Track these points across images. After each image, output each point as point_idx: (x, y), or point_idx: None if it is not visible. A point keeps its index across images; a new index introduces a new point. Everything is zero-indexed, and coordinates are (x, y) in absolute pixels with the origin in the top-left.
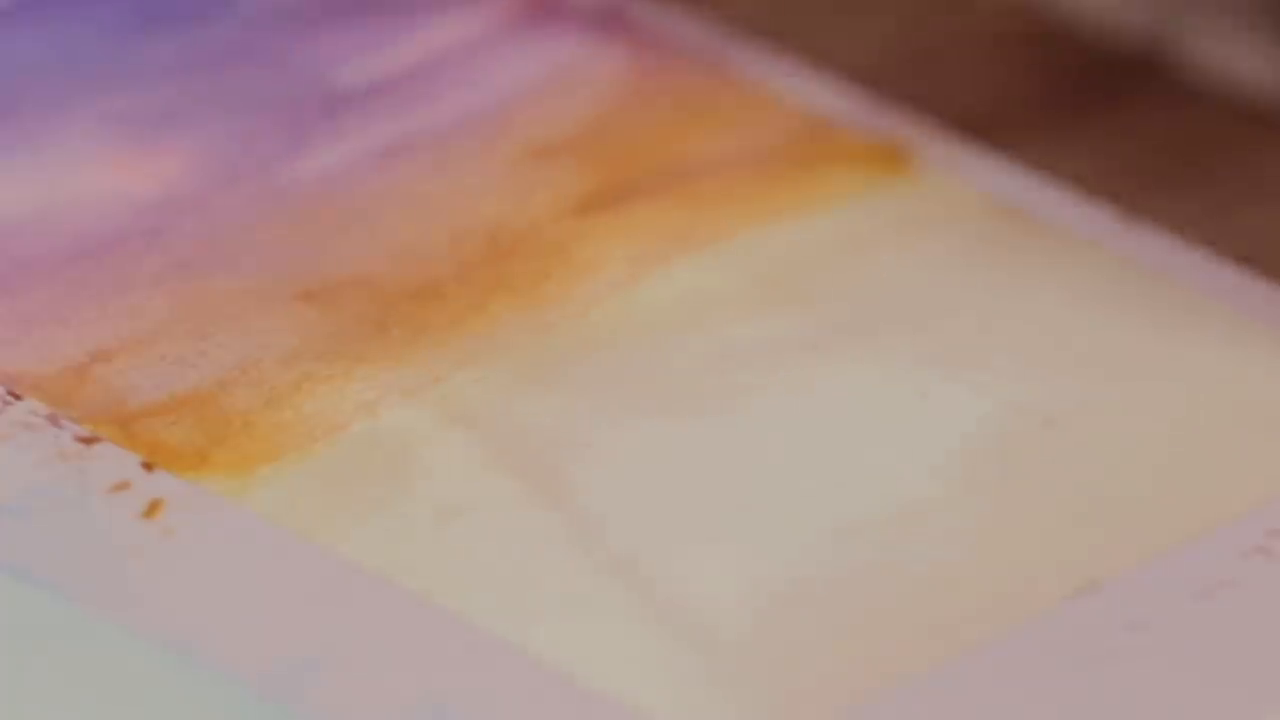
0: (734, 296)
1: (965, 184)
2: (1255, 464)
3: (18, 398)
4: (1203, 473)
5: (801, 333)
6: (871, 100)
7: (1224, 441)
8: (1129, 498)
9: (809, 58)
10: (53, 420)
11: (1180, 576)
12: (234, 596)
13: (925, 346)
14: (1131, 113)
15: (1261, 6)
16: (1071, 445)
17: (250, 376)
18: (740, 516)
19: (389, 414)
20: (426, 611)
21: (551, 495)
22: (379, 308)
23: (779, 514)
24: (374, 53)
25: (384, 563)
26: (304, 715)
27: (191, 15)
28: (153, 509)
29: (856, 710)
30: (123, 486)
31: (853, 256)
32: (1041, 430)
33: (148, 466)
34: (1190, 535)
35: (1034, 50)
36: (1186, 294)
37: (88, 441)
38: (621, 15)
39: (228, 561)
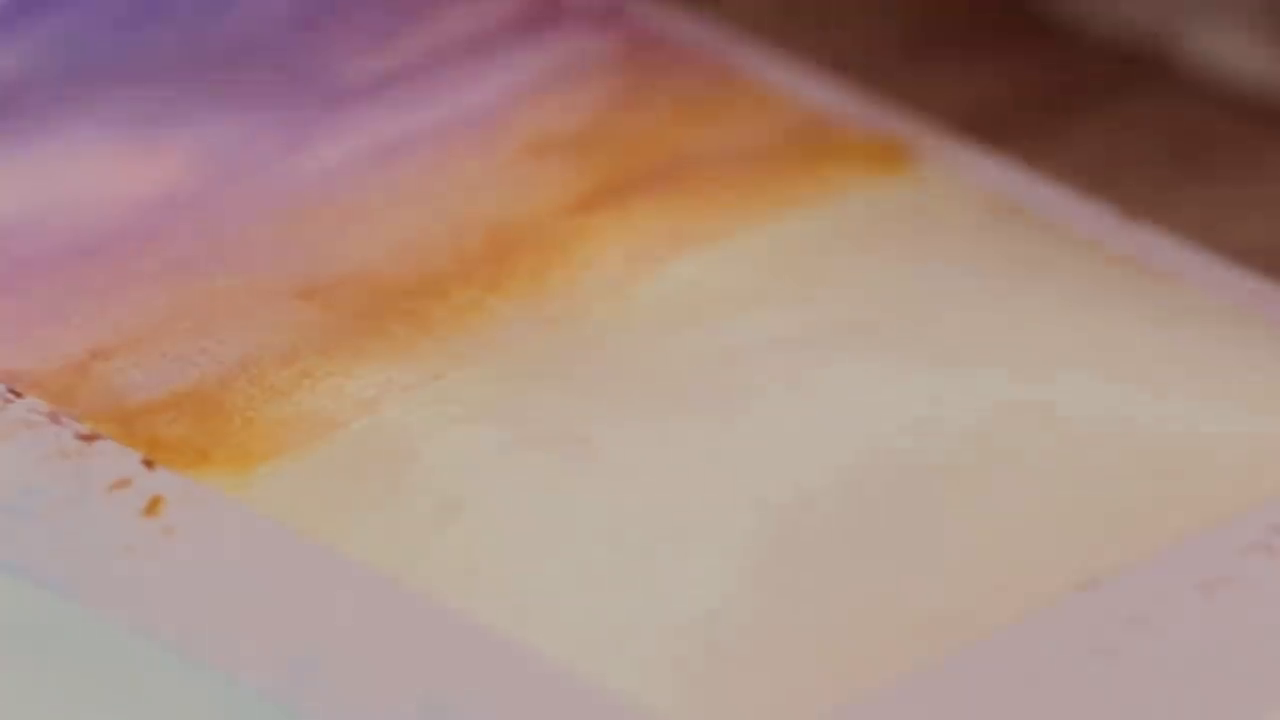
0: (734, 293)
1: (965, 182)
2: (1256, 461)
3: (18, 395)
4: (1203, 470)
5: (801, 330)
6: (871, 98)
7: (1224, 439)
8: (1129, 495)
9: (809, 55)
10: (53, 418)
11: (1181, 573)
12: (234, 595)
13: (925, 344)
14: (1131, 112)
15: (1261, 6)
16: (1072, 443)
17: (250, 374)
18: (740, 514)
19: (389, 411)
20: (426, 611)
21: (552, 492)
22: (379, 305)
23: (778, 512)
24: (374, 51)
25: (384, 560)
26: (304, 715)
27: (191, 14)
28: (153, 506)
29: (854, 707)
30: (123, 484)
31: (852, 254)
32: (1041, 428)
33: (148, 464)
34: (1191, 532)
35: (1034, 50)
36: (1186, 293)
37: (88, 439)
38: (621, 14)
39: (228, 559)
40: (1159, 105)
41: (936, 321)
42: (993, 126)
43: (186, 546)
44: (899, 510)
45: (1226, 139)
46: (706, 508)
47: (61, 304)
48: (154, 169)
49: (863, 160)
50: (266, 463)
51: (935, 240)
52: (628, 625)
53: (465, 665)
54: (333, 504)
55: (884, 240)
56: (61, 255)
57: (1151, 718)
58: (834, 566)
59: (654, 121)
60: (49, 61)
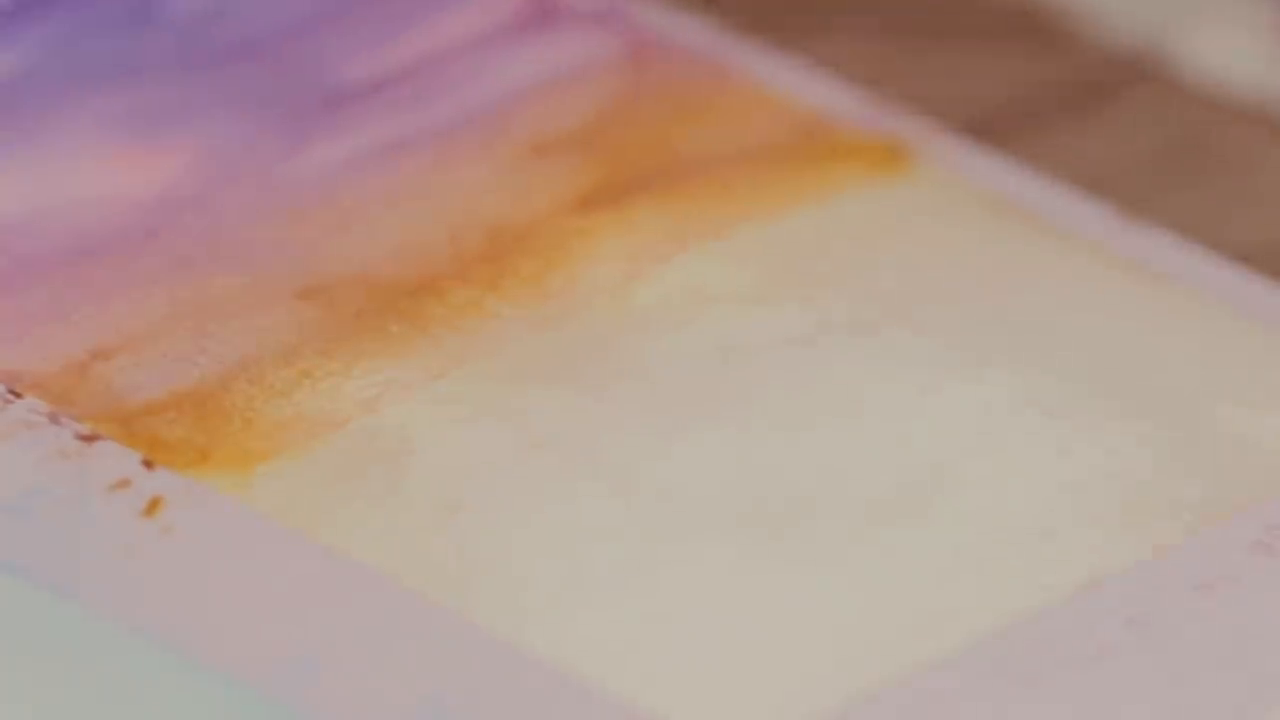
0: (733, 293)
1: (965, 182)
2: (1255, 460)
3: (18, 396)
4: (1202, 468)
5: (801, 330)
6: (871, 98)
7: (1223, 438)
8: (1129, 494)
9: (809, 56)
10: (53, 418)
11: (1181, 572)
12: (234, 595)
13: (925, 344)
14: (1131, 112)
15: (1260, 7)
16: (1071, 441)
17: (250, 373)
18: (739, 513)
19: (389, 410)
20: (426, 611)
21: (551, 492)
22: (379, 304)
23: (778, 511)
24: (374, 50)
25: (384, 560)
26: (304, 715)
27: (191, 14)
28: (153, 507)
29: (854, 707)
30: (123, 484)
31: (852, 254)
32: (1041, 427)
33: (148, 464)
34: (1191, 531)
35: (1034, 50)
36: (1186, 293)
37: (88, 439)
38: (621, 14)
39: (227, 559)
40: (1157, 106)
41: (936, 321)
42: (993, 126)
43: (186, 546)
44: (898, 509)
45: (1224, 139)
46: (706, 507)
47: (61, 304)
48: (154, 169)
49: (863, 160)
50: (266, 463)
51: (935, 240)
52: (627, 625)
53: (465, 665)
54: (332, 503)
55: (884, 240)
56: (62, 255)
57: (1151, 718)
58: (834, 566)
59: (654, 121)
60: (49, 61)
